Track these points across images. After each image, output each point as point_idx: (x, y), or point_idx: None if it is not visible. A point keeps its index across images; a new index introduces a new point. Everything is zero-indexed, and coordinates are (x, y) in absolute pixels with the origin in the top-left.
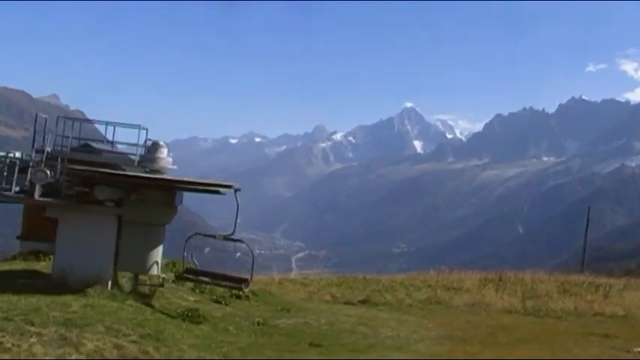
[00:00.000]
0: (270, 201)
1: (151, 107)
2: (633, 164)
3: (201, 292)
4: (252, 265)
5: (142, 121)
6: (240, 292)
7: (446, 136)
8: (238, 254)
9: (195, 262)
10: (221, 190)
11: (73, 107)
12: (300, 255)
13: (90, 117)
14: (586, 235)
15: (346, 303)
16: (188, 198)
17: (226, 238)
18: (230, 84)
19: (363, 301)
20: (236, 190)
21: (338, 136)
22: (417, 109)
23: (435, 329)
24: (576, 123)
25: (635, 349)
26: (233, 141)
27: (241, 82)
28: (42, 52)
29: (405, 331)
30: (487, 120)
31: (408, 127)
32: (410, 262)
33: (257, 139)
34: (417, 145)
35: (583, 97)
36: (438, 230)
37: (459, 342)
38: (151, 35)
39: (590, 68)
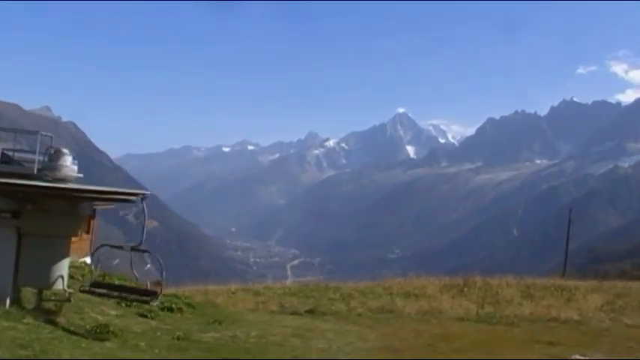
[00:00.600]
0: (264, 209)
1: (144, 117)
2: (626, 165)
3: (128, 305)
4: (162, 275)
5: (134, 131)
6: (173, 305)
7: (438, 141)
8: (148, 266)
9: (136, 274)
10: (132, 198)
11: (65, 119)
12: (295, 262)
13: (82, 128)
14: (568, 237)
15: (292, 313)
16: (185, 207)
17: (133, 249)
18: (222, 93)
19: (310, 311)
20: (143, 199)
21: (331, 143)
22: (410, 115)
23: (374, 340)
24: (568, 125)
25: (574, 357)
26: (226, 149)
27: (233, 90)
28: (33, 63)
29: (340, 342)
30: (479, 124)
31: (401, 133)
32: (405, 267)
33: (250, 147)
34: (410, 150)
35: (574, 99)
36: (433, 234)
37: (393, 353)
38: (143, 46)
39: (581, 70)
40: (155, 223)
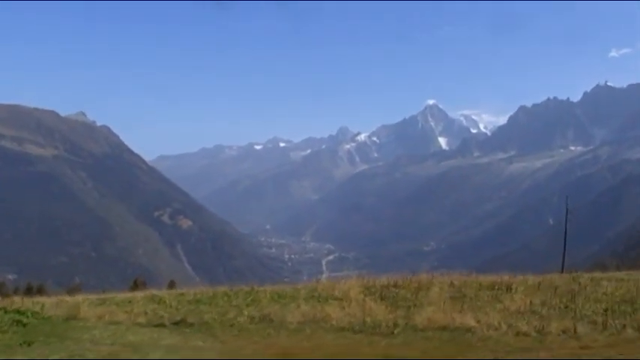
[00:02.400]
0: (297, 205)
1: (176, 118)
2: None
3: None
4: None
5: (168, 132)
6: (23, 319)
7: (470, 131)
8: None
9: None
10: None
11: (99, 123)
12: (330, 257)
13: (116, 132)
14: (565, 230)
15: (157, 325)
16: (219, 206)
17: None
18: (252, 90)
19: (177, 322)
20: None
21: (362, 137)
22: (440, 106)
23: (208, 356)
24: (602, 110)
25: None
26: (258, 147)
27: (263, 87)
28: (69, 69)
29: None
30: (511, 112)
31: (432, 124)
32: (441, 259)
33: (282, 144)
34: (442, 141)
35: (608, 83)
36: (468, 226)
37: None
38: (172, 49)
39: (614, 53)
40: (189, 223)
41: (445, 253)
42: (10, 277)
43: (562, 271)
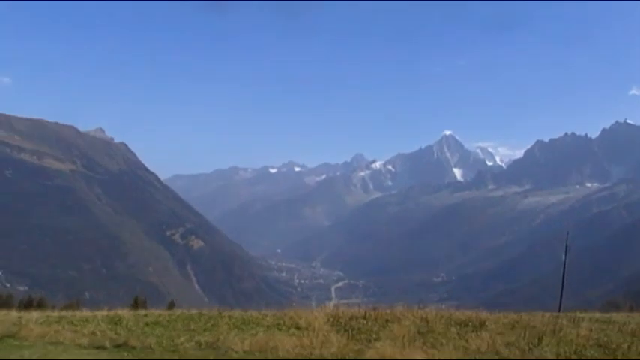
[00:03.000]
0: (309, 230)
1: (192, 138)
2: None
3: None
4: None
5: (183, 152)
6: None
7: (486, 164)
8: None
9: None
10: None
11: (117, 140)
12: (340, 284)
13: (133, 149)
14: (564, 268)
15: (98, 347)
16: (231, 228)
17: None
18: (269, 114)
19: (119, 345)
20: None
21: (377, 165)
22: (457, 137)
23: None
24: (620, 148)
25: None
26: (273, 170)
27: (280, 111)
28: (88, 85)
29: None
30: (528, 146)
31: (448, 155)
32: (451, 290)
33: (296, 169)
34: (457, 172)
35: (627, 120)
36: (479, 258)
37: None
38: (192, 68)
39: (634, 91)
40: (201, 243)
41: (455, 285)
42: (22, 288)
43: (559, 310)
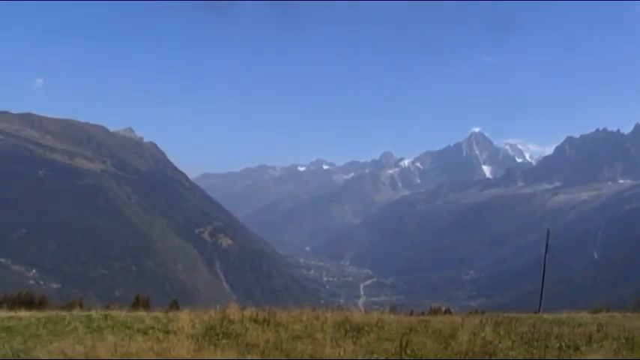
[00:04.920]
0: (338, 228)
1: (220, 137)
2: None
3: None
4: None
5: (211, 150)
6: None
7: (515, 160)
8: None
9: None
10: None
11: (147, 139)
12: (368, 282)
13: (162, 149)
14: (544, 267)
15: None
16: (260, 226)
17: None
18: (297, 111)
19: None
20: None
21: (405, 163)
22: (485, 134)
23: None
24: None
25: None
26: (301, 169)
27: (308, 109)
28: (118, 84)
29: None
30: (558, 143)
31: (477, 152)
32: (480, 289)
33: (325, 167)
34: (486, 169)
35: None
36: (508, 256)
37: None
38: (218, 66)
39: None
40: (229, 241)
41: (484, 283)
42: (54, 286)
43: (539, 310)
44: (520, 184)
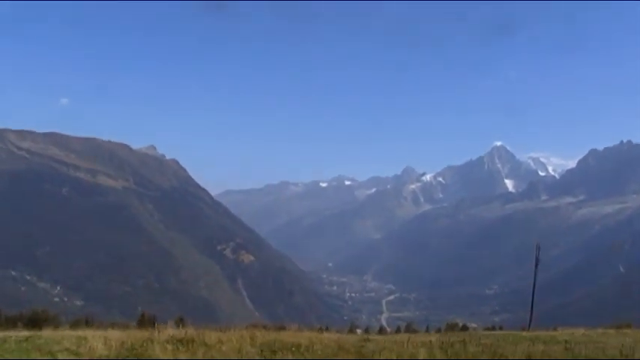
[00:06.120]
0: (360, 244)
1: (241, 153)
2: None
3: None
4: None
5: (233, 167)
6: None
7: (538, 174)
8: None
9: None
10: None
11: (168, 157)
12: (391, 298)
13: (184, 166)
14: (535, 280)
15: None
16: (282, 242)
17: None
18: (319, 127)
19: None
20: None
21: (427, 177)
22: (508, 147)
23: None
24: None
25: None
26: (323, 185)
27: (330, 126)
28: (141, 102)
29: None
30: (581, 156)
31: (499, 166)
32: (503, 303)
33: (347, 182)
34: (509, 183)
35: None
36: (532, 271)
37: None
38: (240, 83)
39: None
40: (251, 258)
41: (508, 298)
42: (78, 303)
43: (529, 327)
44: (543, 197)
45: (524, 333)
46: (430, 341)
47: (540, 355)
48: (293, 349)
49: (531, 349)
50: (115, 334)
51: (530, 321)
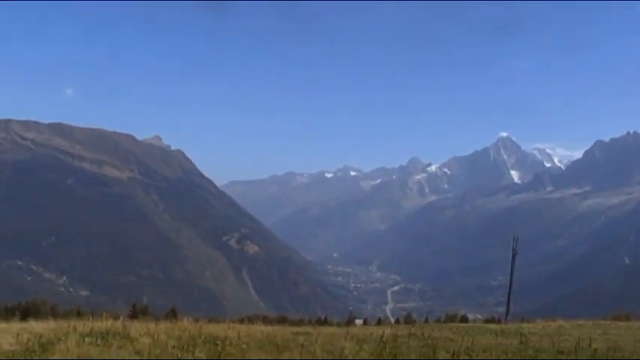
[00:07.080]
0: (365, 234)
1: (247, 144)
2: None
3: None
4: None
5: (238, 158)
6: None
7: (544, 165)
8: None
9: None
10: None
11: (174, 147)
12: (396, 288)
13: (189, 156)
14: (512, 272)
15: None
16: (287, 233)
17: None
18: (324, 118)
19: None
20: None
21: (433, 168)
22: (513, 138)
23: None
24: None
25: None
26: (329, 175)
27: (335, 116)
28: (146, 93)
29: None
30: (587, 147)
31: (504, 157)
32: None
33: (352, 173)
34: (514, 174)
35: None
36: (537, 262)
37: None
38: (245, 75)
39: None
40: (256, 248)
41: (513, 289)
42: (83, 293)
43: (506, 319)
44: (549, 188)
45: (493, 326)
46: (380, 335)
47: (493, 348)
48: (218, 342)
49: (484, 342)
50: (46, 326)
51: (508, 313)
